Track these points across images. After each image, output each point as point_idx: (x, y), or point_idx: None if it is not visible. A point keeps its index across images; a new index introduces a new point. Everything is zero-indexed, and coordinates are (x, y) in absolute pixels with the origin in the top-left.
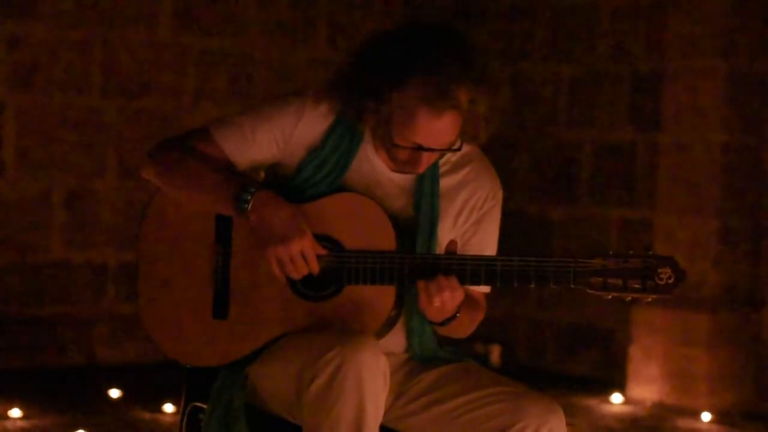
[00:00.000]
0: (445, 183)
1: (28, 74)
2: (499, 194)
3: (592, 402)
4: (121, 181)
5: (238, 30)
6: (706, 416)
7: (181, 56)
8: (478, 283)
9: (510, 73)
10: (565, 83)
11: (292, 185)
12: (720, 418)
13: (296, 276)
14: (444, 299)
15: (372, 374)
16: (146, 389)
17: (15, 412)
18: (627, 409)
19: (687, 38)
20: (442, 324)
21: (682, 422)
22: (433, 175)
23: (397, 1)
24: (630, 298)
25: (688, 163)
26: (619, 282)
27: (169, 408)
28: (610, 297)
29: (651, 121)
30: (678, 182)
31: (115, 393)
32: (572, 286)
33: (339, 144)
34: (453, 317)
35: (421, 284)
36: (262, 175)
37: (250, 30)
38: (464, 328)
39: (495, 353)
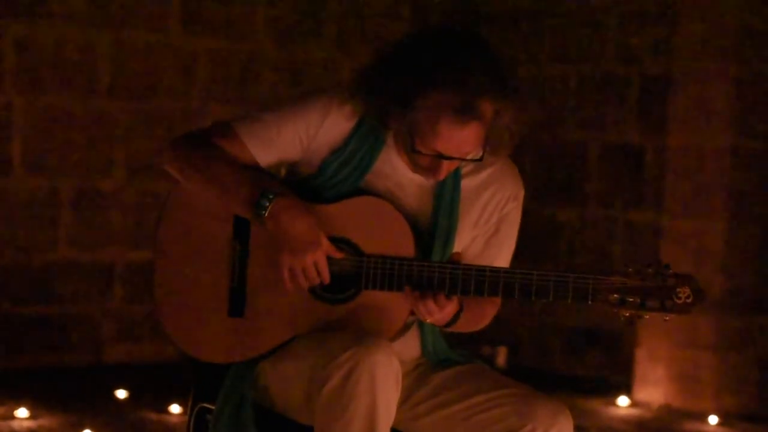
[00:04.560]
0: (467, 184)
1: (36, 74)
2: (521, 194)
3: (598, 404)
4: (129, 181)
5: (247, 31)
6: (712, 419)
7: (189, 57)
8: (496, 296)
9: (518, 75)
10: (573, 85)
11: (314, 184)
12: (726, 420)
13: (305, 285)
14: (435, 318)
15: (385, 376)
16: (153, 390)
17: (22, 412)
18: (633, 411)
19: (695, 41)
20: (445, 326)
21: (689, 425)
22: (454, 176)
23: (406, 3)
24: (647, 316)
25: (695, 167)
26: (638, 300)
27: (175, 409)
28: (627, 314)
29: (659, 123)
30: (685, 186)
31: (121, 393)
32: (590, 302)
33: (362, 145)
34: (456, 317)
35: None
36: (283, 172)
37: (259, 31)
38: (475, 323)
39: (501, 355)
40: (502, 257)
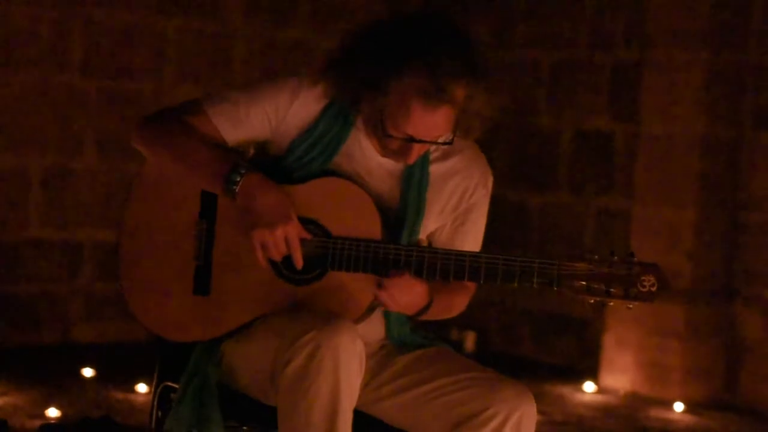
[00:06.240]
0: (434, 170)
1: (7, 52)
2: (490, 182)
3: (565, 390)
4: (99, 160)
5: (220, 10)
6: (678, 406)
7: (161, 36)
8: (462, 279)
9: (490, 60)
10: (545, 71)
11: (282, 165)
12: (692, 408)
13: (277, 256)
14: (396, 299)
15: (348, 357)
16: (120, 369)
17: None
18: (600, 398)
19: (667, 29)
20: (416, 315)
21: (655, 412)
22: (422, 162)
23: None
24: (612, 303)
25: (666, 154)
26: (602, 287)
27: (142, 388)
28: (592, 301)
29: (630, 111)
30: (655, 173)
31: (88, 372)
32: (555, 288)
33: (331, 127)
34: (427, 307)
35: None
36: (251, 152)
37: (232, 10)
38: (446, 312)
39: (469, 340)
40: (470, 245)
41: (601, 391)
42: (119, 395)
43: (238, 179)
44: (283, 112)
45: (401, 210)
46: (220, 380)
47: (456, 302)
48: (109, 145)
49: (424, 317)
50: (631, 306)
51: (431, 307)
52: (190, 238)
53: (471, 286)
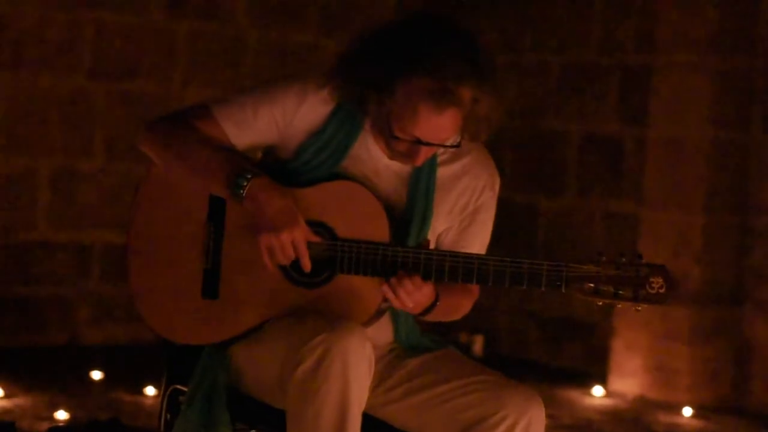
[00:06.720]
0: (442, 172)
1: (16, 53)
2: (497, 184)
3: (574, 394)
4: (108, 162)
5: (229, 14)
6: (687, 411)
7: (171, 39)
8: (470, 282)
9: (499, 63)
10: (554, 74)
11: (290, 168)
12: (701, 412)
13: (284, 261)
14: (410, 306)
15: (357, 360)
16: (128, 371)
17: None
18: (608, 402)
19: (676, 33)
20: (422, 315)
21: (663, 416)
22: (430, 164)
23: None
24: (620, 305)
25: (674, 158)
26: (611, 289)
27: (150, 391)
28: (600, 303)
29: (639, 114)
30: (664, 176)
31: (97, 374)
32: (564, 290)
33: (339, 130)
34: (432, 306)
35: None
36: (260, 155)
37: (241, 14)
38: (451, 313)
39: (478, 343)
40: (477, 247)
41: (609, 395)
42: (128, 398)
43: (245, 183)
44: (291, 116)
45: (408, 212)
46: (229, 383)
47: (461, 304)
48: (118, 147)
49: (429, 317)
50: (639, 308)
51: (436, 307)
52: (199, 241)
53: (475, 289)
